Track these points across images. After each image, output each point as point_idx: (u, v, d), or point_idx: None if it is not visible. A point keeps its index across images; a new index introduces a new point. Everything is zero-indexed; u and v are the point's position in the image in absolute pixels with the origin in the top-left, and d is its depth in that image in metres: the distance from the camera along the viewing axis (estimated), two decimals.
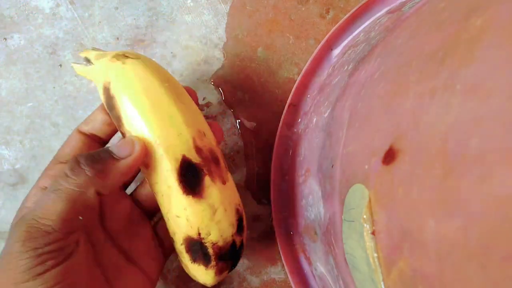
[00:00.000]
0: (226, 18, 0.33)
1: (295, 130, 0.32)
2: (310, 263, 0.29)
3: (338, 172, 0.21)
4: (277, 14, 0.33)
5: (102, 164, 0.20)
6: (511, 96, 0.11)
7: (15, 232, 0.18)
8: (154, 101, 0.22)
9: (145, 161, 0.22)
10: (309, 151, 0.28)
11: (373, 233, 0.17)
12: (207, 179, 0.22)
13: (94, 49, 0.25)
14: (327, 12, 0.33)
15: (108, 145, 0.26)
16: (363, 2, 0.30)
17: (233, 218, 0.23)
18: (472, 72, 0.13)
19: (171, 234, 0.24)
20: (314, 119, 0.29)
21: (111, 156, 0.21)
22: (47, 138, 0.32)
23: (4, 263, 0.18)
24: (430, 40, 0.17)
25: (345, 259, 0.20)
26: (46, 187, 0.23)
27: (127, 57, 0.23)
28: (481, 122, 0.12)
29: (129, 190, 0.29)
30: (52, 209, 0.18)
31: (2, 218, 0.32)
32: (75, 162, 0.20)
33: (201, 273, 0.23)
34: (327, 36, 0.31)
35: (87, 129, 0.25)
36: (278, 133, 0.32)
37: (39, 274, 0.17)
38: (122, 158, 0.21)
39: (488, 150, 0.12)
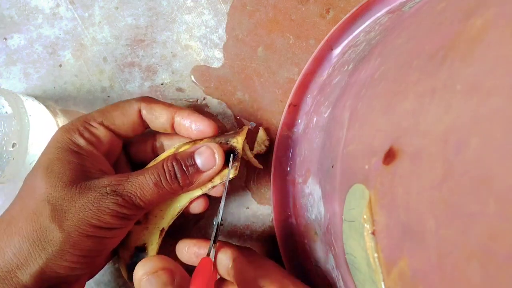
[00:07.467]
0: (226, 18, 0.33)
1: (295, 130, 0.32)
2: (310, 263, 0.29)
3: (338, 172, 0.21)
4: (277, 14, 0.33)
5: (191, 179, 0.26)
6: (511, 96, 0.11)
7: (111, 197, 0.23)
8: None
9: None
10: (309, 151, 0.28)
11: (373, 233, 0.17)
12: None
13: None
14: (327, 12, 0.33)
15: (191, 146, 0.27)
16: (363, 2, 0.30)
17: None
18: (472, 72, 0.13)
19: None
20: (314, 119, 0.29)
21: (198, 170, 0.26)
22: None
23: (89, 206, 0.23)
24: (430, 40, 0.17)
25: (345, 259, 0.20)
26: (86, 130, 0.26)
27: None
28: (481, 122, 0.12)
29: None
30: (149, 197, 0.24)
31: None
32: (173, 173, 0.25)
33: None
34: (327, 36, 0.31)
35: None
36: (278, 133, 0.32)
37: (110, 228, 0.23)
38: (205, 171, 0.26)
39: (488, 150, 0.12)
